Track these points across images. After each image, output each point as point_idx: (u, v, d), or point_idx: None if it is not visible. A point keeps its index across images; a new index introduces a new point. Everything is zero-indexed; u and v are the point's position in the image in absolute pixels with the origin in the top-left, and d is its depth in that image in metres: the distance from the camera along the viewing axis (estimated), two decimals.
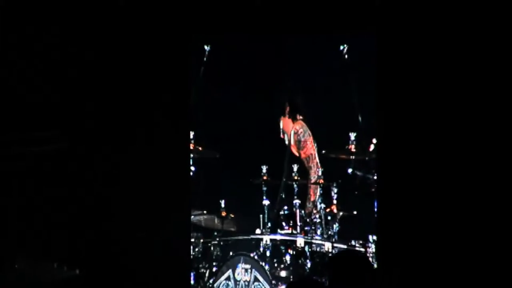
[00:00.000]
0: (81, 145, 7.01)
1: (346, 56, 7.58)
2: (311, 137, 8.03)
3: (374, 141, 7.33)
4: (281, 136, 8.20)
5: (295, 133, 8.01)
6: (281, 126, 8.22)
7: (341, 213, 7.58)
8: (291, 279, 7.41)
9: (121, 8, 6.84)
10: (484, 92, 6.40)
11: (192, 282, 7.54)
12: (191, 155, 7.68)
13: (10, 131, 6.66)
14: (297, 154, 8.02)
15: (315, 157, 8.04)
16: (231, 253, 7.68)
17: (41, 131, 6.74)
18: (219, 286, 7.57)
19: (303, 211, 7.67)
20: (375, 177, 7.25)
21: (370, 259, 7.00)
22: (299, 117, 8.10)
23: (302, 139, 7.93)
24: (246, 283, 7.46)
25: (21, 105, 6.78)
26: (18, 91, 6.78)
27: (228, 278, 7.54)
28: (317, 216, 7.58)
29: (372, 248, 7.34)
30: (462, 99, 6.46)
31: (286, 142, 8.17)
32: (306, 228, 7.59)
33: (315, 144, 8.04)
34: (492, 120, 6.42)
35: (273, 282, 7.41)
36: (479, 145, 6.45)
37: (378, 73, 6.81)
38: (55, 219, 6.89)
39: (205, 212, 7.91)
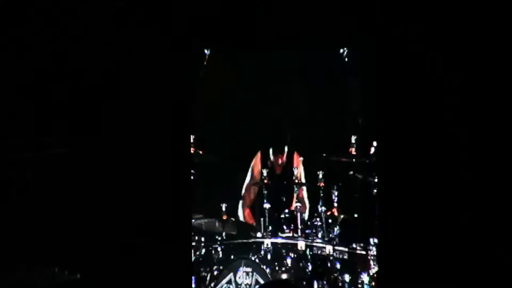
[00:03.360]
0: (80, 149, 7.03)
1: (346, 59, 7.58)
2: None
3: (375, 143, 7.32)
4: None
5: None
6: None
7: (342, 216, 7.58)
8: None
9: (122, 12, 6.85)
10: (484, 94, 6.41)
11: (193, 286, 7.54)
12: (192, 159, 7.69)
13: (11, 137, 6.67)
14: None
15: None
16: (232, 257, 7.68)
17: (41, 137, 6.75)
18: None
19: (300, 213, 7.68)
20: (376, 180, 7.25)
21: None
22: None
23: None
24: (248, 286, 7.46)
25: (23, 110, 6.80)
26: (19, 97, 6.80)
27: (229, 282, 7.53)
28: (318, 219, 7.58)
29: (373, 251, 7.33)
30: (461, 101, 6.46)
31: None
32: (307, 231, 7.59)
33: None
34: (492, 121, 6.43)
35: None
36: (479, 147, 6.44)
37: (377, 75, 6.81)
38: (56, 223, 6.90)
39: (206, 216, 7.90)
